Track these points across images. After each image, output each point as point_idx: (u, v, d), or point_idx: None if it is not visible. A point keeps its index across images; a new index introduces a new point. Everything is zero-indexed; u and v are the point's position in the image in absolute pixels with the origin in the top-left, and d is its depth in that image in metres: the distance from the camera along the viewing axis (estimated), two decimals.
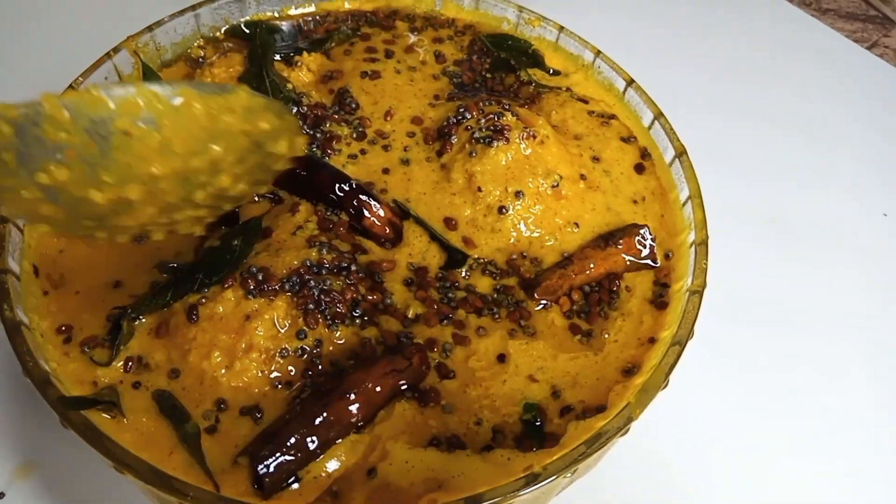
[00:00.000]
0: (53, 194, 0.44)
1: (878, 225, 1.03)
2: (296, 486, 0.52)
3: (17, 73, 1.03)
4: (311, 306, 0.58)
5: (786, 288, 0.93)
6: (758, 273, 0.94)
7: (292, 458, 0.52)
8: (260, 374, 0.56)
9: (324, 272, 0.60)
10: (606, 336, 0.63)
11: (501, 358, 0.60)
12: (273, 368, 0.57)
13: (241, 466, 0.52)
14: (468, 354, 0.60)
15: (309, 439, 0.53)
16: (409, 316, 0.61)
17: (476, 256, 0.66)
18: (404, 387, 0.57)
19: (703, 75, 1.17)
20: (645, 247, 0.67)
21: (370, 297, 0.61)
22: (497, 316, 0.63)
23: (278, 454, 0.52)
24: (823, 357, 0.87)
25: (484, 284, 0.65)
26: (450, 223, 0.67)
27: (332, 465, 0.54)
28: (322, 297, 0.59)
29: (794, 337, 0.88)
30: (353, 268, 0.62)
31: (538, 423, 0.57)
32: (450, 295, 0.63)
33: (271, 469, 0.51)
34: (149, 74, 0.74)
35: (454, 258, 0.65)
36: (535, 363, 0.60)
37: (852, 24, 1.42)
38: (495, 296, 0.64)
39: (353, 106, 0.74)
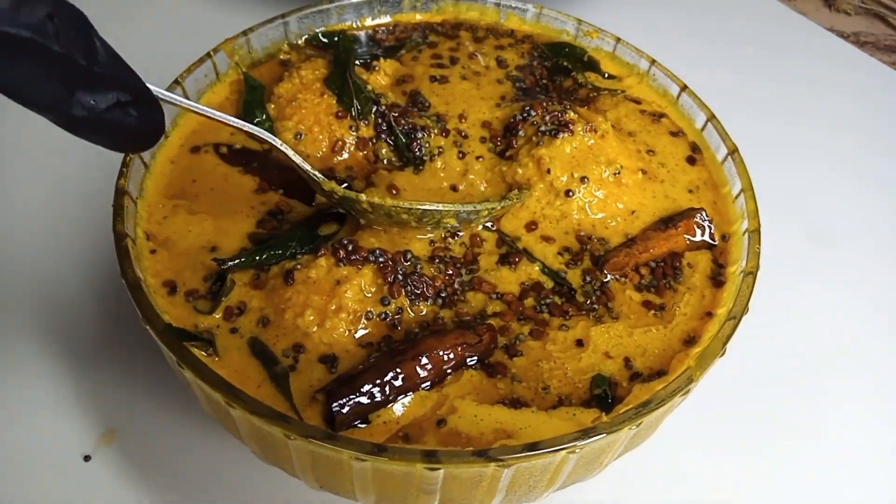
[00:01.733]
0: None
1: None
2: (365, 426, 0.57)
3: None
4: (399, 277, 0.63)
5: (829, 300, 0.95)
6: (802, 288, 0.96)
7: (363, 402, 0.57)
8: (347, 333, 0.61)
9: (420, 262, 0.66)
10: (677, 309, 0.66)
11: (580, 343, 0.64)
12: (359, 328, 0.62)
13: (318, 403, 0.57)
14: (543, 343, 0.64)
15: (380, 389, 0.58)
16: (488, 311, 0.65)
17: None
18: (472, 360, 0.61)
19: (751, 94, 1.22)
20: (702, 228, 0.71)
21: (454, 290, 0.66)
22: (585, 313, 0.66)
23: (352, 397, 0.57)
24: (866, 372, 0.89)
25: (574, 277, 0.68)
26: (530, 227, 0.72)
27: (401, 415, 0.58)
28: (411, 275, 0.64)
29: (836, 345, 0.90)
30: (450, 272, 0.67)
31: (609, 399, 0.60)
32: (543, 304, 0.66)
33: (344, 409, 0.56)
34: (248, 80, 0.83)
35: (561, 288, 0.68)
36: (612, 341, 0.64)
37: (890, 55, 1.46)
38: (584, 287, 0.67)
39: (427, 105, 0.81)
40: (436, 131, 0.78)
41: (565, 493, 0.67)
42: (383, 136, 0.77)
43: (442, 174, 0.76)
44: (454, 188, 0.75)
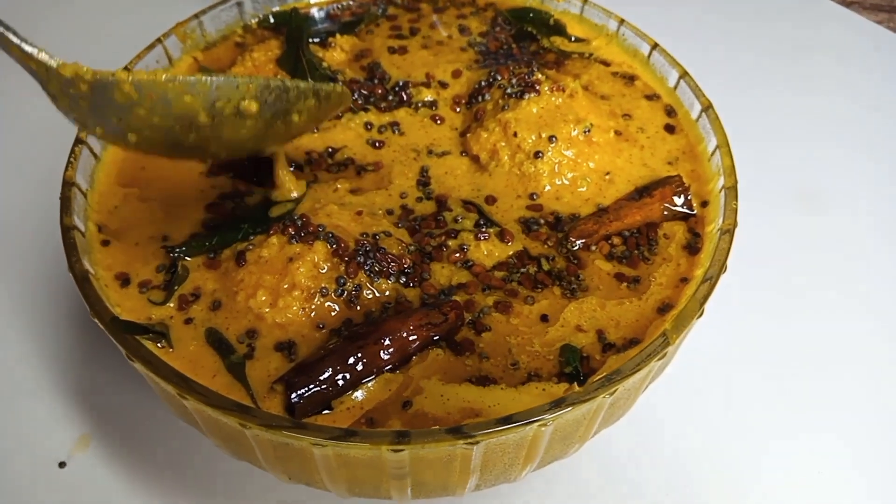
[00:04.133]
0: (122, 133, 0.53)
1: None
2: (328, 412, 0.55)
3: (80, 56, 1.12)
4: (359, 258, 0.60)
5: (818, 256, 0.93)
6: (787, 242, 0.94)
7: (324, 390, 0.55)
8: (301, 311, 0.59)
9: (379, 237, 0.63)
10: (652, 279, 0.64)
11: (544, 318, 0.61)
12: (314, 306, 0.59)
13: (277, 393, 0.55)
14: (508, 317, 0.61)
15: (341, 376, 0.55)
16: (453, 284, 0.63)
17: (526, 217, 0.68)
18: (437, 338, 0.59)
19: (729, 53, 1.18)
20: (679, 195, 0.68)
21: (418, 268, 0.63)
22: (556, 283, 0.63)
23: (311, 385, 0.54)
24: (853, 327, 0.86)
25: (540, 245, 0.66)
26: (490, 200, 0.69)
27: (365, 399, 0.56)
28: (373, 251, 0.61)
29: (823, 305, 0.88)
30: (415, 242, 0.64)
31: (580, 376, 0.58)
32: (515, 274, 0.64)
33: (303, 398, 0.54)
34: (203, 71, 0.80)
35: (529, 258, 0.65)
36: (585, 315, 0.61)
37: (877, 14, 1.42)
38: (551, 255, 0.65)
39: (387, 78, 0.78)
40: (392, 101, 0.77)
41: (549, 470, 0.64)
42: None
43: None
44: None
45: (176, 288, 0.61)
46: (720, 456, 0.75)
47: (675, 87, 0.78)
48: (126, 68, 0.75)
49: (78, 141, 0.67)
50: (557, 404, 0.51)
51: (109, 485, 0.71)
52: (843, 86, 1.17)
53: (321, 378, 0.54)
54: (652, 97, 0.79)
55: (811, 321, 0.86)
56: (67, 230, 0.60)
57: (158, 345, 0.57)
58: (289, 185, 0.66)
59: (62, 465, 0.73)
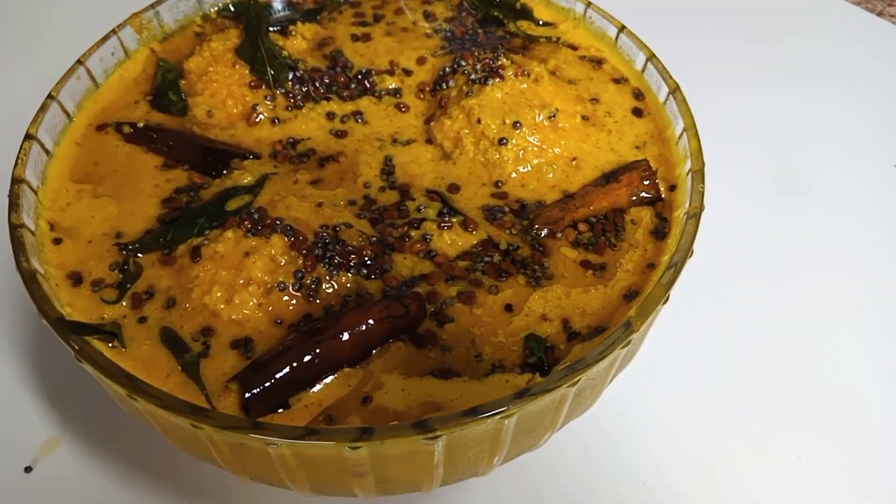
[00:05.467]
0: None
1: (888, 177, 1.01)
2: (284, 411, 0.53)
3: (30, 49, 1.10)
4: (318, 251, 0.59)
5: (791, 239, 0.92)
6: (761, 225, 0.93)
7: (280, 388, 0.53)
8: (258, 307, 0.57)
9: (340, 229, 0.61)
10: (619, 266, 0.63)
11: (509, 308, 0.60)
12: (271, 301, 0.57)
13: (232, 392, 0.54)
14: (472, 308, 0.60)
15: (298, 373, 0.53)
16: (416, 275, 0.61)
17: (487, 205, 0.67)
18: (398, 331, 0.57)
19: (705, 35, 1.18)
20: (646, 179, 0.67)
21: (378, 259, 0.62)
22: (521, 271, 0.62)
23: (266, 383, 0.53)
24: (826, 310, 0.86)
25: (500, 235, 0.64)
26: (454, 188, 0.68)
27: (324, 396, 0.54)
28: (332, 245, 0.59)
29: (797, 288, 0.87)
30: (374, 239, 0.62)
31: (545, 365, 0.57)
32: (479, 263, 0.62)
33: (258, 397, 0.52)
34: (162, 63, 0.77)
35: (493, 246, 0.64)
36: (550, 303, 0.60)
37: None
38: (517, 244, 0.63)
39: (349, 66, 0.76)
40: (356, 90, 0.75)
41: (520, 462, 0.63)
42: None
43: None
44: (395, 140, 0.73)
45: (129, 286, 0.59)
46: (696, 444, 0.74)
47: (643, 70, 0.77)
48: (79, 61, 0.72)
49: (28, 136, 0.65)
50: (520, 396, 0.50)
51: (78, 489, 0.69)
52: (820, 67, 1.16)
53: (277, 375, 0.53)
54: (620, 81, 0.77)
55: (787, 304, 0.86)
56: (15, 228, 0.58)
57: (110, 345, 0.55)
58: None
59: (28, 469, 0.71)
